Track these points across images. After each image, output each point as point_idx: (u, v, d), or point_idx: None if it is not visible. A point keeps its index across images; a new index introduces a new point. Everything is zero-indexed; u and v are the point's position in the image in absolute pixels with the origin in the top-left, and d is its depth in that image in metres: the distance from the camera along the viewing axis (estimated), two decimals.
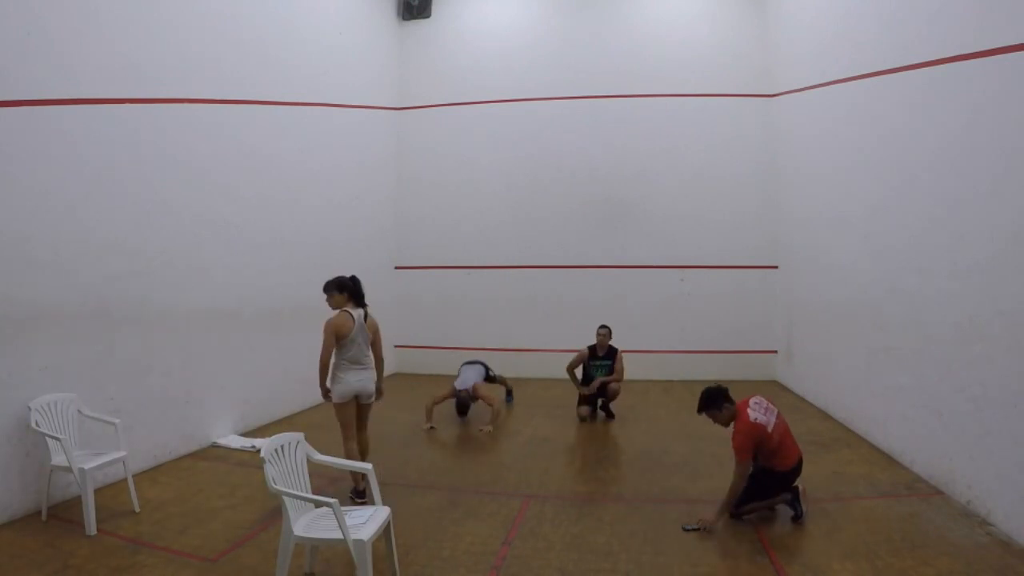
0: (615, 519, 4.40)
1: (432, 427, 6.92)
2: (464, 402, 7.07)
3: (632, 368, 9.43)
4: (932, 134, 5.00)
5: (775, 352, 9.44)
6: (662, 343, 9.69)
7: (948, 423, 4.72)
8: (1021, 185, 3.95)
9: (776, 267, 9.45)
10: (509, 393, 8.23)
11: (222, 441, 6.16)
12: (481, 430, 6.78)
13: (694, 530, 4.13)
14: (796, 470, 4.31)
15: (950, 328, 4.71)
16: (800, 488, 4.31)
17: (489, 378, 7.70)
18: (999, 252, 4.15)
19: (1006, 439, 4.02)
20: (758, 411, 4.27)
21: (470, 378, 7.26)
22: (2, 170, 4.30)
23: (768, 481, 4.26)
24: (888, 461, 5.52)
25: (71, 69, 4.78)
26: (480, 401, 7.14)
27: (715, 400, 4.35)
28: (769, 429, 4.22)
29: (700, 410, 4.42)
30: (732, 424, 4.31)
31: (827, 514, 4.35)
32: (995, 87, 4.21)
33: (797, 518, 4.19)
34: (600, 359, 7.37)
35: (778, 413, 4.39)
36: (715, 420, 4.40)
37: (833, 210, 7.15)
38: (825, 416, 7.19)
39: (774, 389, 8.85)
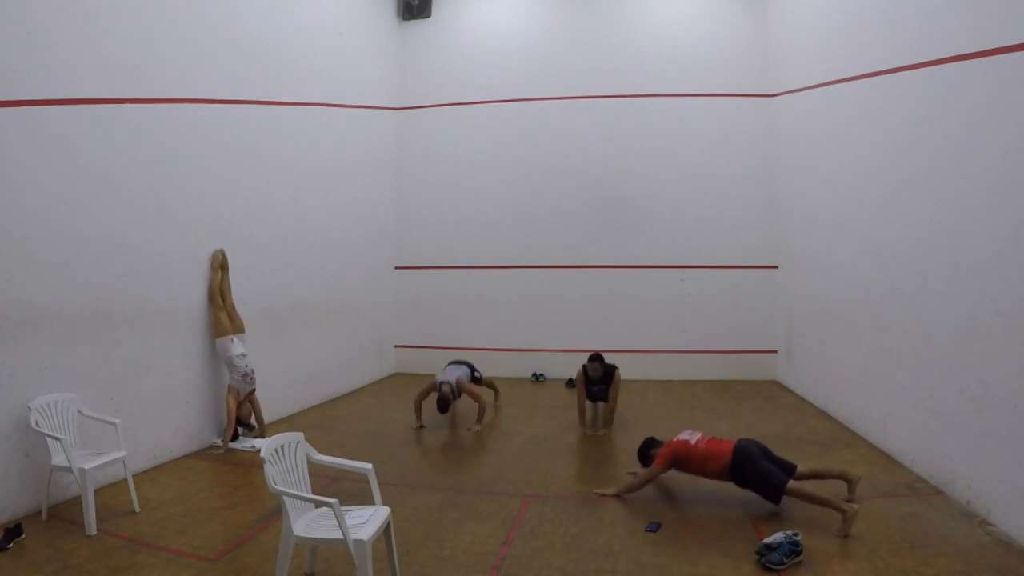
0: (615, 519, 4.40)
1: (422, 426, 6.90)
2: (445, 397, 6.76)
3: (632, 368, 9.41)
4: (932, 134, 5.00)
5: (775, 352, 9.43)
6: (662, 343, 9.69)
7: (948, 423, 4.72)
8: (1021, 185, 3.95)
9: (776, 267, 9.44)
10: (495, 395, 8.04)
11: (222, 441, 6.15)
12: (469, 429, 6.78)
13: (656, 529, 4.18)
14: (737, 462, 4.43)
15: (950, 328, 4.71)
16: (855, 505, 4.11)
17: (475, 379, 7.47)
18: (999, 252, 4.15)
19: (1006, 439, 4.02)
20: (684, 435, 4.80)
21: (453, 373, 7.07)
22: (2, 170, 4.30)
23: (748, 475, 4.42)
24: (888, 461, 5.52)
25: (71, 69, 4.78)
26: (466, 398, 6.99)
27: (645, 450, 5.07)
28: (692, 442, 4.69)
29: (640, 459, 5.12)
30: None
31: (827, 514, 4.34)
32: (995, 87, 4.21)
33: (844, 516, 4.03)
34: (597, 384, 6.87)
35: (707, 436, 4.79)
36: (652, 461, 4.87)
37: (833, 210, 7.15)
38: (825, 416, 7.19)
39: (774, 389, 8.86)
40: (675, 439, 4.80)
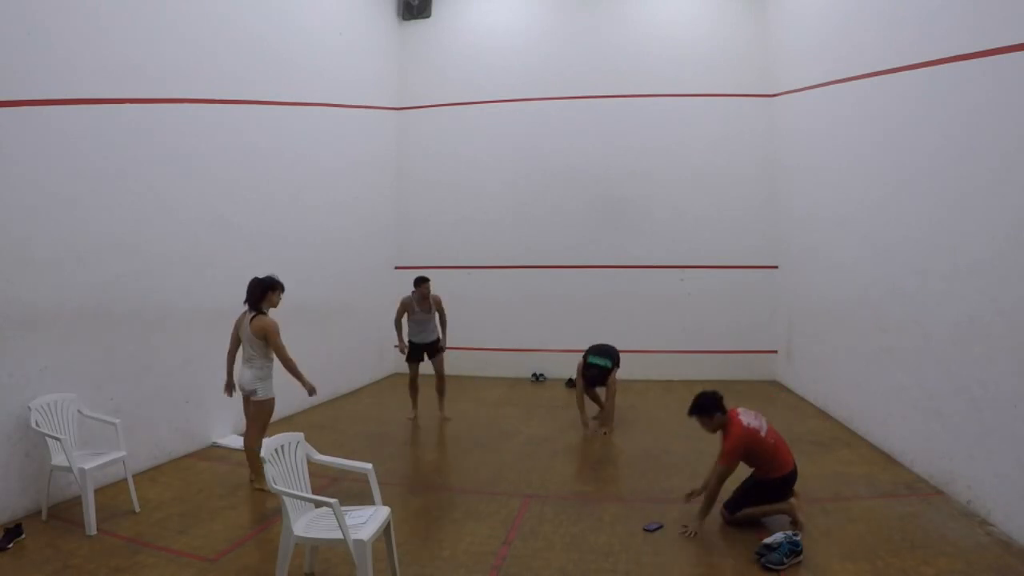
0: (615, 519, 4.40)
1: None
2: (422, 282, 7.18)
3: (632, 368, 9.42)
4: (932, 134, 5.00)
5: (775, 352, 9.43)
6: (662, 343, 9.69)
7: (948, 423, 4.72)
8: (1021, 185, 3.95)
9: (776, 267, 9.44)
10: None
11: (222, 441, 6.16)
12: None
13: (656, 529, 4.16)
14: (792, 477, 4.26)
15: (950, 328, 4.71)
16: (794, 500, 4.26)
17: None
18: (999, 252, 4.15)
19: (1006, 439, 4.02)
20: (749, 417, 4.27)
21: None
22: (2, 170, 4.30)
23: (765, 489, 4.23)
24: (888, 461, 5.52)
25: (71, 69, 4.78)
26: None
27: (709, 406, 4.32)
28: (763, 433, 4.21)
29: (691, 413, 4.38)
30: (721, 431, 4.30)
31: (827, 514, 4.35)
32: (995, 87, 4.21)
33: (796, 525, 4.14)
34: (597, 366, 6.86)
35: (768, 421, 4.36)
36: (703, 425, 4.38)
37: (833, 210, 7.15)
38: (825, 416, 7.19)
39: (774, 389, 8.86)
40: (740, 420, 4.21)
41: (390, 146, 10.36)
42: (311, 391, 5.03)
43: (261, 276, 5.02)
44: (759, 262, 9.57)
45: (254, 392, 4.93)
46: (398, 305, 7.26)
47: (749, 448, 4.17)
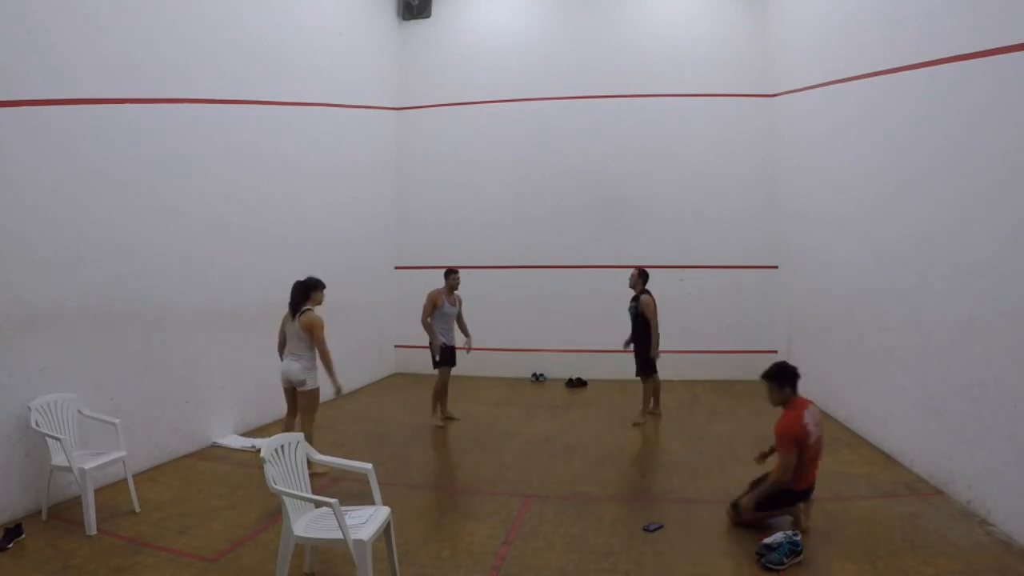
0: (615, 519, 4.40)
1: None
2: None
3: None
4: (932, 134, 5.00)
5: (775, 352, 9.41)
6: (661, 343, 9.65)
7: (948, 423, 4.72)
8: (1021, 185, 3.95)
9: (776, 267, 9.44)
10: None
11: (222, 441, 6.16)
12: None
13: (656, 529, 4.16)
14: (807, 494, 4.22)
15: (950, 328, 4.71)
16: (802, 504, 4.20)
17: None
18: (999, 252, 4.15)
19: (1006, 439, 4.02)
20: (811, 419, 4.18)
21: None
22: (2, 170, 4.30)
23: (782, 496, 4.18)
24: (888, 461, 5.52)
25: (71, 69, 4.78)
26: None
27: (783, 377, 4.25)
28: (811, 440, 4.13)
29: (764, 377, 4.30)
30: (782, 408, 4.25)
31: (827, 514, 4.35)
32: (995, 87, 4.21)
33: (797, 525, 4.12)
34: (631, 301, 7.31)
35: (820, 436, 4.24)
36: (769, 393, 4.31)
37: (833, 210, 7.15)
38: (825, 416, 7.14)
39: None
40: (800, 413, 4.13)
41: (390, 146, 10.36)
42: (338, 390, 5.40)
43: (303, 279, 5.47)
44: (759, 262, 9.57)
45: (303, 383, 5.29)
46: (426, 301, 6.95)
47: (796, 441, 4.07)
